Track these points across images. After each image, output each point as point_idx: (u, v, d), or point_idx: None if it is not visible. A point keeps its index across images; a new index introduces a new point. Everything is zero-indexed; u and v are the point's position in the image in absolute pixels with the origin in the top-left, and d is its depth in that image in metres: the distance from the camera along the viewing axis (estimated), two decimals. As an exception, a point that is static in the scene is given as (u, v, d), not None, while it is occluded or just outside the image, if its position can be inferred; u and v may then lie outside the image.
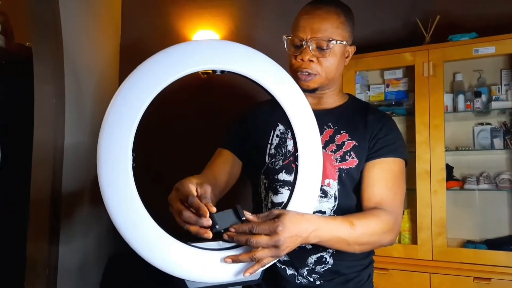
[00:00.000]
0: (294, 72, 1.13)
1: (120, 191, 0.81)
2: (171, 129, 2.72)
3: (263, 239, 0.82)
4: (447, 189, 1.99)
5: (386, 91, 2.28)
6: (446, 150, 2.02)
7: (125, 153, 0.82)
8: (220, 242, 0.88)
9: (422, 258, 1.96)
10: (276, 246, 0.82)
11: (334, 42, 1.10)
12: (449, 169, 2.09)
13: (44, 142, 1.81)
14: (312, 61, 1.11)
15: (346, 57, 1.18)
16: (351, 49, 1.18)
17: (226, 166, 1.22)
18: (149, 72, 0.87)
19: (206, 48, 0.92)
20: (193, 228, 0.84)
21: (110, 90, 2.67)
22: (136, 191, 0.82)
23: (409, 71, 2.19)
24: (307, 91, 1.13)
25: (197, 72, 2.56)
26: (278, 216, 0.84)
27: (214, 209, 0.84)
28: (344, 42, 1.13)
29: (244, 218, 0.85)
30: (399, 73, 2.26)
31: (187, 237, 0.87)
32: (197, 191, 0.90)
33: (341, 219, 0.96)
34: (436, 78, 2.01)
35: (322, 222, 0.92)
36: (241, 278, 0.87)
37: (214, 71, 0.93)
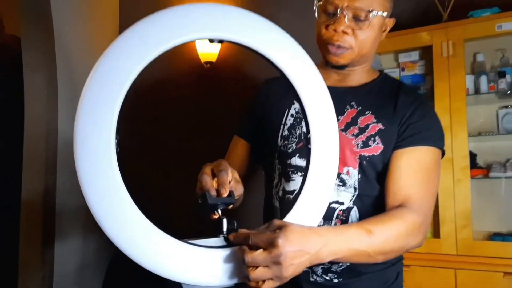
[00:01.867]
0: (323, 44, 1.00)
1: (101, 179, 0.68)
2: (172, 122, 2.60)
3: (260, 255, 0.67)
4: (471, 177, 1.84)
5: (401, 75, 2.13)
6: (469, 136, 1.87)
7: (108, 135, 0.69)
8: (222, 239, 0.76)
9: (445, 253, 1.83)
10: (276, 263, 0.67)
11: (374, 12, 0.95)
12: (471, 156, 1.94)
13: (36, 137, 1.69)
14: (346, 33, 0.96)
15: (383, 31, 1.03)
16: (390, 22, 1.04)
17: (241, 158, 1.13)
18: (136, 39, 0.73)
19: (203, 13, 0.79)
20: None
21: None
22: (122, 180, 0.70)
23: (426, 53, 2.05)
24: (335, 67, 1.00)
25: (199, 62, 2.46)
26: (279, 228, 0.70)
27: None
28: (385, 14, 0.98)
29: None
30: (415, 55, 2.11)
31: (185, 235, 0.75)
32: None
33: (356, 227, 0.82)
34: (456, 58, 1.87)
35: (332, 234, 0.76)
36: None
37: (211, 40, 0.80)
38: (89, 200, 0.68)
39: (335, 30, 0.96)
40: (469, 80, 1.97)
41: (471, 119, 1.97)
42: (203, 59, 2.39)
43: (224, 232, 0.76)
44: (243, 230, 0.74)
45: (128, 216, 0.69)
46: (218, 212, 0.78)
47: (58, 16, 1.87)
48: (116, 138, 0.72)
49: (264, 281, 0.69)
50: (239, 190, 0.86)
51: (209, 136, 2.44)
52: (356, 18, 0.95)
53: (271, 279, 0.69)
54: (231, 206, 0.82)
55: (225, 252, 0.73)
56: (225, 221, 0.77)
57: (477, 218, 1.93)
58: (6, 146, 1.97)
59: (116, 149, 0.71)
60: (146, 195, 2.42)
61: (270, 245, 0.67)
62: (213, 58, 2.40)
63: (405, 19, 2.14)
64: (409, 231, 0.87)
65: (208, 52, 2.39)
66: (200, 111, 2.52)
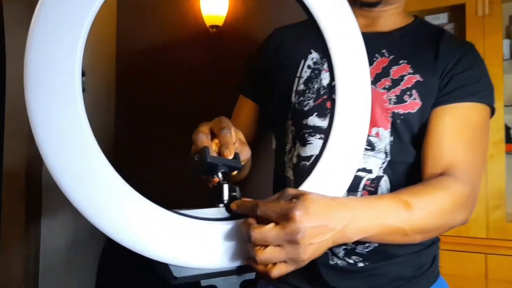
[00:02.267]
0: None
1: (63, 127, 0.51)
2: (174, 91, 2.42)
3: (271, 231, 0.52)
4: (506, 153, 1.66)
5: (427, 40, 1.93)
6: (504, 106, 1.69)
7: (71, 67, 0.52)
8: (222, 209, 0.59)
9: (475, 236, 1.66)
10: (292, 241, 0.51)
11: None
12: (507, 129, 1.77)
13: (19, 99, 1.51)
14: None
15: None
16: None
17: (249, 122, 0.98)
18: None
19: None
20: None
21: (106, 29, 2.36)
22: (91, 131, 0.53)
23: (457, 13, 1.84)
24: (366, 4, 0.85)
25: (204, 25, 2.26)
26: (296, 197, 0.54)
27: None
28: None
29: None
30: (443, 18, 1.90)
31: (175, 204, 0.58)
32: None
33: (391, 199, 0.66)
34: (492, 17, 1.66)
35: (362, 206, 0.61)
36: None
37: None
38: (46, 154, 0.51)
39: None
40: (505, 44, 1.76)
41: (506, 88, 1.78)
42: (208, 22, 2.20)
43: (225, 201, 0.60)
44: (248, 199, 0.57)
45: (98, 176, 0.52)
46: (218, 176, 0.61)
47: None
48: (83, 75, 0.54)
49: (275, 264, 0.53)
50: (245, 154, 0.68)
51: (214, 106, 2.26)
52: None
53: (284, 261, 0.53)
54: (235, 172, 0.65)
55: (225, 225, 0.57)
56: (226, 186, 0.60)
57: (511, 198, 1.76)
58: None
59: (83, 88, 0.54)
60: (139, 165, 2.26)
61: (285, 218, 0.52)
62: (220, 22, 2.21)
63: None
64: (455, 205, 0.71)
65: (214, 14, 2.19)
66: (205, 80, 2.34)
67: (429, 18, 1.92)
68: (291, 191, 0.55)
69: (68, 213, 1.74)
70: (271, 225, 0.52)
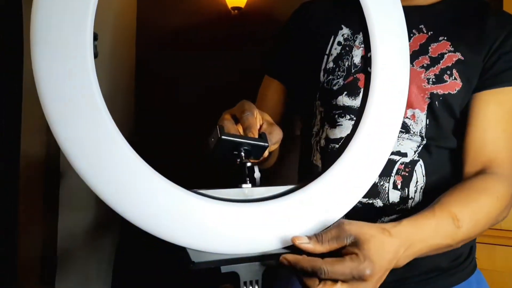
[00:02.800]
0: None
1: (73, 95, 0.47)
2: (195, 76, 2.38)
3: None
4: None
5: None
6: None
7: (81, 29, 0.47)
8: (246, 190, 0.54)
9: (507, 228, 1.59)
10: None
11: None
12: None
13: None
14: None
15: None
16: None
17: (276, 104, 0.92)
18: None
19: None
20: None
21: (126, 12, 2.32)
22: (103, 101, 0.49)
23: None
24: None
25: (226, 7, 2.20)
26: (356, 245, 0.53)
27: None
28: None
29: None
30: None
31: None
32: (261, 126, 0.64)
33: (440, 215, 0.64)
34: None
35: (414, 233, 0.60)
36: (278, 248, 0.54)
37: None
38: (53, 122, 0.46)
39: None
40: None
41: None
42: (230, 3, 2.14)
43: (256, 179, 0.54)
44: (305, 244, 0.53)
45: (112, 150, 0.47)
46: (241, 155, 0.56)
47: None
48: (95, 39, 0.50)
49: None
50: (275, 135, 0.63)
51: (237, 90, 2.21)
52: None
53: None
54: (266, 153, 0.60)
55: (247, 208, 0.52)
56: (249, 165, 0.55)
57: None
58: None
59: (95, 53, 0.49)
60: (159, 147, 2.23)
61: (355, 279, 0.51)
62: (242, 3, 2.14)
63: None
64: (501, 208, 0.70)
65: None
66: (227, 64, 2.29)
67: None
68: (349, 229, 0.53)
69: (86, 195, 1.73)
70: (339, 284, 0.51)
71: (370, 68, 0.62)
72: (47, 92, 0.46)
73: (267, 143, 0.57)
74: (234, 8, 2.15)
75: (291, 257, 0.52)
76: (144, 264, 1.95)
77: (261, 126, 0.63)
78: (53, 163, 1.70)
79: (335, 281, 0.51)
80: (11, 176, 1.63)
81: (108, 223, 2.00)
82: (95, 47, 0.49)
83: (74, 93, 0.46)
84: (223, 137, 0.54)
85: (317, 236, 0.53)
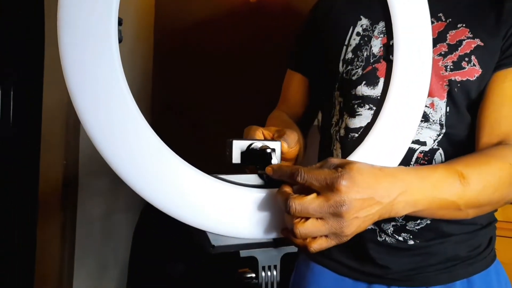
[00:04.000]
0: None
1: (97, 79, 0.48)
2: (213, 68, 2.38)
3: (313, 201, 0.47)
4: None
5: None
6: None
7: (107, 18, 0.48)
8: (265, 175, 0.55)
9: (527, 222, 1.54)
10: (336, 214, 0.47)
11: None
12: None
13: (57, 78, 1.50)
14: None
15: None
16: None
17: (300, 97, 0.94)
18: None
19: None
20: None
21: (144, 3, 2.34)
22: (127, 85, 0.49)
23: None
24: None
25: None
26: (340, 165, 0.49)
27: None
28: None
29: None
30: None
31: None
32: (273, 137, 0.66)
33: (444, 169, 0.59)
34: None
35: (414, 177, 0.55)
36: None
37: None
38: (80, 109, 0.48)
39: None
40: None
41: None
42: (249, -9, 2.13)
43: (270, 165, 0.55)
44: (286, 164, 0.53)
45: (134, 132, 0.48)
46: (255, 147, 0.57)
47: None
48: (119, 24, 0.51)
49: (315, 237, 0.48)
50: (290, 138, 0.64)
51: (255, 82, 2.21)
52: None
53: (326, 236, 0.48)
54: (285, 148, 0.63)
55: (263, 193, 0.52)
56: (268, 151, 0.56)
57: None
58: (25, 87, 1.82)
59: (119, 38, 0.50)
60: (176, 133, 2.24)
61: (329, 188, 0.47)
62: (261, -9, 2.13)
63: None
64: None
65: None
66: (245, 56, 2.29)
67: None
68: (334, 160, 0.50)
69: (104, 180, 1.75)
70: (313, 195, 0.47)
71: (392, 56, 0.61)
72: (74, 77, 0.47)
73: (279, 141, 0.59)
74: (252, -4, 2.14)
75: (275, 166, 0.52)
76: (160, 252, 1.98)
77: (272, 137, 0.65)
78: (73, 144, 1.72)
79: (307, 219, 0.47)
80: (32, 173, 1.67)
81: (126, 212, 2.03)
82: (119, 32, 0.50)
83: (100, 77, 0.47)
84: (234, 140, 0.55)
85: (303, 169, 0.50)
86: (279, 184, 0.52)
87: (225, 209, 0.51)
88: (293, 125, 0.85)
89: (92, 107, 0.47)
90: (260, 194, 0.52)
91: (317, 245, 0.48)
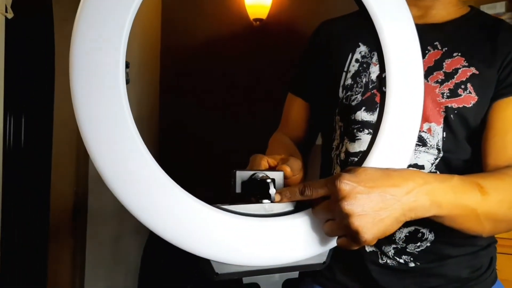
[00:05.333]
0: None
1: (107, 119, 0.51)
2: (217, 86, 2.42)
3: (322, 205, 0.52)
4: None
5: (482, 30, 1.83)
6: None
7: (116, 59, 0.52)
8: (266, 206, 0.57)
9: (532, 238, 1.54)
10: (342, 213, 0.49)
11: None
12: None
13: (68, 95, 1.54)
14: None
15: None
16: None
17: (301, 120, 0.97)
18: None
19: None
20: None
21: (152, 26, 2.39)
22: (134, 123, 0.53)
23: (516, 2, 1.73)
24: None
25: (248, 19, 2.25)
26: (346, 171, 0.53)
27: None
28: None
29: None
30: (500, 7, 1.80)
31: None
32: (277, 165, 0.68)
33: (461, 179, 0.61)
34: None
35: (432, 178, 0.57)
36: (297, 260, 0.57)
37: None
38: (90, 146, 0.51)
39: None
40: None
41: None
42: (252, 15, 2.18)
43: (271, 195, 0.58)
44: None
45: (141, 168, 0.51)
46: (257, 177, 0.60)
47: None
48: (127, 67, 0.54)
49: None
50: (293, 165, 0.68)
51: (258, 101, 2.25)
52: None
53: (344, 236, 0.51)
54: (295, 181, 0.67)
55: (267, 222, 0.55)
56: (270, 183, 0.59)
57: None
58: (36, 107, 1.87)
59: (127, 80, 0.53)
60: (182, 160, 2.28)
61: (332, 190, 0.50)
62: (264, 15, 2.18)
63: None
64: None
65: (257, 3, 2.14)
66: (249, 75, 2.33)
67: (485, 8, 1.82)
68: (343, 171, 0.53)
69: (113, 208, 1.78)
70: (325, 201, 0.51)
71: (385, 88, 0.64)
72: (85, 115, 0.50)
73: (281, 170, 0.62)
74: (256, 20, 2.19)
75: (283, 190, 0.56)
76: (168, 274, 1.99)
77: (276, 166, 0.68)
78: (82, 174, 1.77)
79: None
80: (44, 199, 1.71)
81: (134, 235, 2.06)
82: (127, 74, 0.54)
83: (108, 116, 0.51)
84: (237, 171, 0.58)
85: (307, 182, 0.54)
86: (280, 213, 0.55)
87: (229, 238, 0.53)
88: (296, 150, 0.88)
89: (102, 146, 0.50)
90: (262, 223, 0.55)
91: (341, 243, 0.52)
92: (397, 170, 0.55)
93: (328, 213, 0.51)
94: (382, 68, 0.65)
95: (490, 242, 0.84)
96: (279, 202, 0.55)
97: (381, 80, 0.64)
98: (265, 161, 0.68)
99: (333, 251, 0.59)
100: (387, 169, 0.54)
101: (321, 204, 0.51)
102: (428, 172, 0.77)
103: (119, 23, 0.51)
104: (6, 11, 1.56)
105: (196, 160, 2.35)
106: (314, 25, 1.00)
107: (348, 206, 0.48)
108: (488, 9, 1.82)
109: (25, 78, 1.80)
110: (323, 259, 0.59)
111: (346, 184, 0.49)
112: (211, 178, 2.12)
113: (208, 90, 2.43)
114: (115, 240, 1.93)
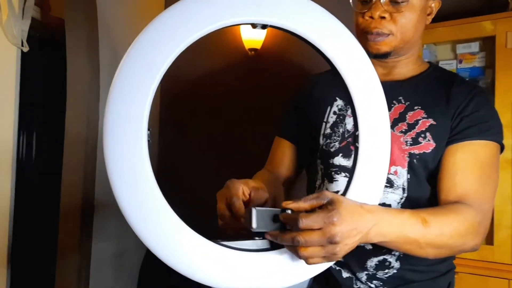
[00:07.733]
0: (362, 34, 0.93)
1: (131, 171, 0.65)
2: (214, 112, 2.56)
3: (314, 236, 0.63)
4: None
5: (458, 67, 1.96)
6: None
7: (139, 124, 0.65)
8: (259, 242, 0.71)
9: (499, 261, 1.68)
10: (331, 243, 0.63)
11: None
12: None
13: (77, 122, 1.66)
14: (383, 17, 0.90)
15: (428, 14, 0.95)
16: (435, 4, 0.95)
17: (285, 159, 1.08)
18: (173, 23, 0.69)
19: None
20: (224, 225, 0.75)
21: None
22: (153, 174, 0.66)
23: (488, 44, 1.88)
24: (377, 56, 0.93)
25: (244, 48, 2.39)
26: (331, 203, 0.66)
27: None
28: None
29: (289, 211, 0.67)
30: (475, 47, 1.93)
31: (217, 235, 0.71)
32: (250, 194, 0.81)
33: (410, 214, 0.75)
34: (522, 50, 1.70)
35: (385, 214, 0.72)
36: (282, 286, 0.70)
37: (254, 25, 0.74)
38: (117, 193, 0.65)
39: (371, 17, 0.90)
40: (535, 75, 1.79)
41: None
42: (247, 45, 2.33)
43: (261, 238, 0.71)
44: (291, 205, 0.68)
45: (157, 212, 0.65)
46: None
47: (103, 0, 1.85)
48: (148, 129, 0.67)
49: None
50: (261, 197, 0.82)
51: (253, 127, 2.39)
52: (393, 1, 0.89)
53: (323, 257, 0.66)
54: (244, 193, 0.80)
55: (261, 256, 0.68)
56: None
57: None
58: (47, 131, 1.99)
59: (148, 140, 0.67)
60: (183, 190, 2.39)
61: (325, 224, 0.64)
62: (258, 45, 2.33)
63: (465, 6, 1.98)
64: (468, 229, 0.80)
65: (253, 38, 2.31)
66: (244, 101, 2.47)
67: (460, 47, 1.97)
68: (327, 194, 0.68)
69: (116, 229, 1.89)
70: (315, 232, 0.63)
71: (358, 143, 0.78)
72: (114, 166, 0.64)
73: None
74: (251, 50, 2.34)
75: (273, 233, 0.67)
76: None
77: (250, 194, 0.81)
78: (89, 198, 1.88)
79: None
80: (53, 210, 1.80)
81: (137, 251, 2.15)
82: (148, 135, 0.67)
83: (132, 168, 0.64)
84: (257, 208, 0.68)
85: (302, 199, 0.68)
86: (270, 248, 0.68)
87: (227, 268, 0.66)
88: (277, 180, 1.01)
89: (127, 191, 0.64)
90: (256, 256, 0.68)
91: (313, 261, 0.66)
92: (365, 208, 0.69)
93: (318, 241, 0.63)
94: (356, 127, 0.78)
95: (448, 269, 0.96)
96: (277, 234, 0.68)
97: (355, 137, 0.78)
98: (240, 187, 0.79)
99: (312, 279, 0.73)
100: (359, 207, 0.68)
101: (311, 234, 0.63)
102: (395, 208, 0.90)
103: (142, 101, 0.65)
104: (22, 45, 1.68)
105: (193, 184, 2.46)
106: (303, 55, 1.14)
107: (340, 240, 0.64)
108: (464, 48, 1.97)
109: (38, 102, 1.91)
110: (305, 285, 0.73)
111: (340, 224, 0.64)
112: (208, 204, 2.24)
113: (206, 115, 2.54)
114: (119, 254, 2.03)
